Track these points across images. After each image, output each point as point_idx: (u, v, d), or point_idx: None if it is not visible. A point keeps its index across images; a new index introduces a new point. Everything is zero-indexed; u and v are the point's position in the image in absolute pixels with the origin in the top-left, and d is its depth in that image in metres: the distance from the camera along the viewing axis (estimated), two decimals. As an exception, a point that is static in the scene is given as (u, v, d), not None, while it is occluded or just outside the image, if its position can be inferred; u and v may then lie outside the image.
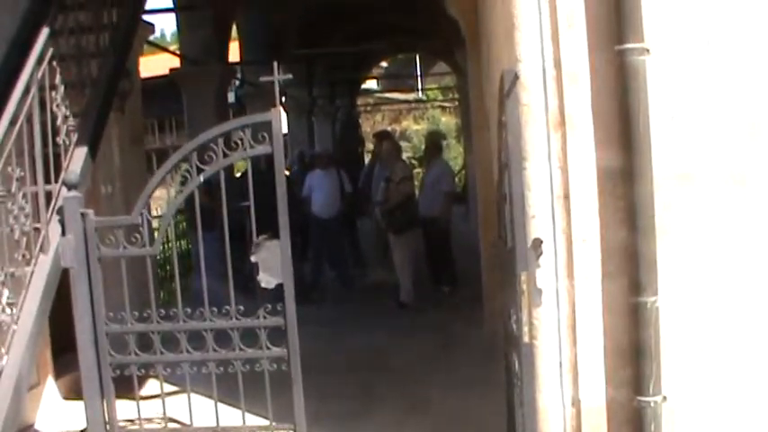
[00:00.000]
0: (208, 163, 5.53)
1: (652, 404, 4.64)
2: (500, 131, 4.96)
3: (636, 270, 4.58)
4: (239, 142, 5.49)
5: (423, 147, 15.26)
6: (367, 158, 21.75)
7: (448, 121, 33.32)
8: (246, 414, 5.66)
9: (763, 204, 4.64)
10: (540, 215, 4.65)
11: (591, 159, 4.64)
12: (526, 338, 4.29)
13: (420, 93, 35.06)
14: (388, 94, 33.98)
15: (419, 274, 11.17)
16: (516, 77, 4.55)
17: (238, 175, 10.75)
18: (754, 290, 4.66)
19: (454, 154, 27.61)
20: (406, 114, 36.43)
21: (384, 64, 31.19)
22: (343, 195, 12.19)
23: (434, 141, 13.50)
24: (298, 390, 5.49)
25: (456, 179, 14.72)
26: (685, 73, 4.61)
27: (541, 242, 4.40)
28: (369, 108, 33.08)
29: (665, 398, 4.66)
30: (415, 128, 33.89)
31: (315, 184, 12.18)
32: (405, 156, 20.09)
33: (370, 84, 32.90)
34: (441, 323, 9.15)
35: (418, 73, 32.29)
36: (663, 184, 4.61)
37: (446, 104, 33.74)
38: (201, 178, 5.54)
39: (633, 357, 4.66)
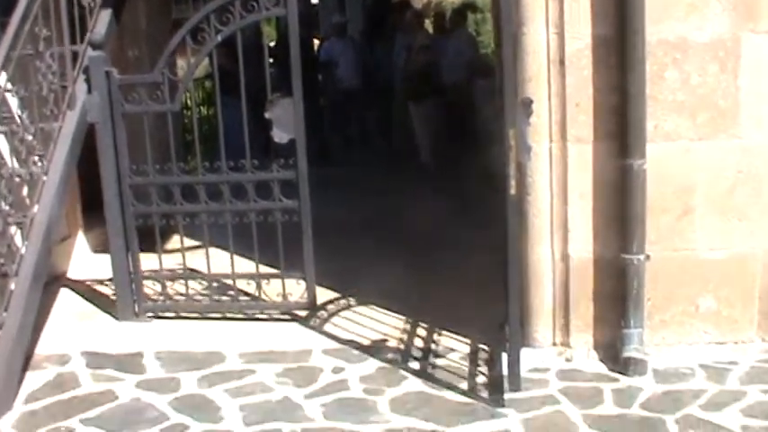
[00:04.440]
0: (226, 24, 5.77)
1: (635, 261, 4.95)
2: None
3: (625, 134, 4.84)
4: (255, 4, 5.71)
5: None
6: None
7: (486, -4, 32.68)
8: (260, 264, 6.04)
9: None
10: (535, 78, 4.90)
11: (587, 27, 4.85)
12: (512, 191, 4.54)
13: (459, -37, 34.40)
14: (424, -35, 33.43)
15: (439, 137, 11.25)
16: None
17: (272, 44, 10.92)
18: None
19: (489, 28, 27.14)
20: (444, -15, 35.80)
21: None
22: (362, 65, 12.34)
23: (458, 10, 13.53)
24: (307, 239, 5.83)
25: (482, 51, 14.67)
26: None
27: (531, 102, 4.62)
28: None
29: (648, 256, 4.97)
30: (450, 0, 33.36)
31: (337, 52, 12.30)
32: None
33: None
34: (458, 186, 9.24)
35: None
36: (655, 51, 4.82)
37: (482, -23, 33.14)
38: (219, 38, 5.78)
39: (620, 217, 4.96)
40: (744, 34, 4.84)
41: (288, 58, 5.78)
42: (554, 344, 5.19)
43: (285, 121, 5.79)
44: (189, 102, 8.53)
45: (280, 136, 5.81)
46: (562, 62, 4.88)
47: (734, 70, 4.88)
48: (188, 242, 6.24)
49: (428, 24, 13.70)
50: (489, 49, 16.00)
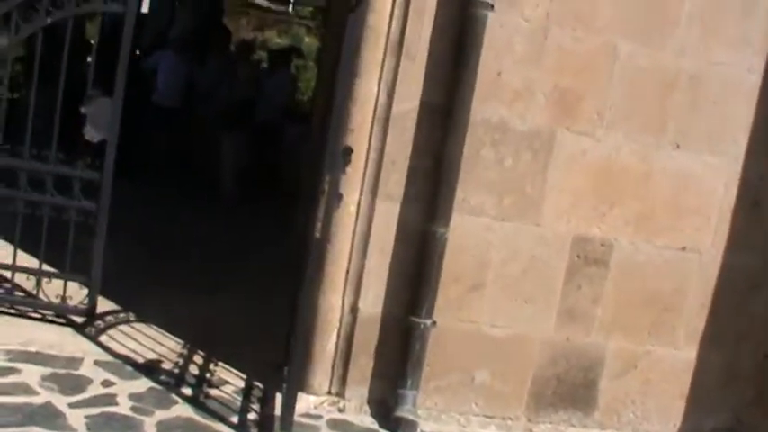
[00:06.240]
0: (60, 8, 5.57)
1: (422, 326, 5.06)
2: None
3: (434, 201, 4.97)
4: (96, -4, 5.55)
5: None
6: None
7: (311, 43, 32.87)
8: (44, 263, 5.78)
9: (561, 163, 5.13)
10: (358, 130, 4.96)
11: (417, 91, 4.97)
12: (318, 234, 4.58)
13: (290, 7, 34.53)
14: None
15: (244, 174, 11.14)
16: (362, -3, 4.80)
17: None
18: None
19: (309, 76, 27.31)
20: (272, 26, 35.87)
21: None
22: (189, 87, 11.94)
23: (285, 51, 13.61)
24: (99, 244, 5.65)
25: (300, 97, 14.77)
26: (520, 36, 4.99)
27: (351, 151, 4.67)
28: (236, 8, 32.46)
29: (434, 322, 5.09)
30: (276, 41, 33.37)
31: (163, 65, 11.82)
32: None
33: (244, -17, 32.21)
34: (258, 224, 9.19)
35: (296, -16, 31.81)
36: (476, 128, 4.99)
37: (311, 25, 33.44)
38: (50, 20, 5.57)
39: (415, 280, 5.06)
40: (559, 130, 5.09)
41: (111, 57, 5.60)
42: (329, 392, 5.21)
43: (100, 119, 5.63)
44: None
45: (92, 134, 5.64)
46: (387, 119, 4.97)
47: (545, 162, 5.11)
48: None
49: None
50: (306, 96, 16.20)
